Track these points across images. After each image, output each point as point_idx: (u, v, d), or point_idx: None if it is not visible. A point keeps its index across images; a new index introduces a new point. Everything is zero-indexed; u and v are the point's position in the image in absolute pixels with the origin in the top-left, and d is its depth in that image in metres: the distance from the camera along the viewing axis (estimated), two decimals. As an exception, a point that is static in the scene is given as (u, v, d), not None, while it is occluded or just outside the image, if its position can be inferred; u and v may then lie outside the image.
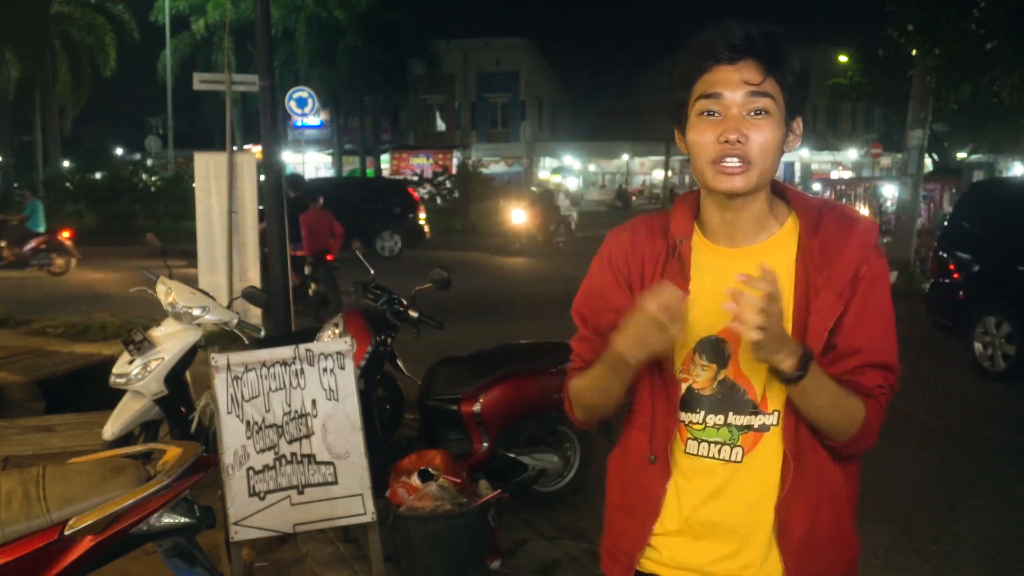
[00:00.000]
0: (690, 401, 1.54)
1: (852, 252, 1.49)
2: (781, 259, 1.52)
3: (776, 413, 1.51)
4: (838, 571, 1.58)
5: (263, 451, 3.38)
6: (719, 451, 1.53)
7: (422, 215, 20.18)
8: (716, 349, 1.52)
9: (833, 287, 1.48)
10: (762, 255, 1.52)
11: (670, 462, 1.55)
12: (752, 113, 1.44)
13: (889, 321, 1.53)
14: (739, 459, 1.52)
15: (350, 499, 3.44)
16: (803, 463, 1.50)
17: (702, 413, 1.53)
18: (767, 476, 1.52)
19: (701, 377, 1.53)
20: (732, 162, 1.44)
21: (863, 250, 1.50)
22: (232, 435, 3.36)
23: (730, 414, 1.52)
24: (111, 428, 4.33)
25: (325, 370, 3.51)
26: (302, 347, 3.52)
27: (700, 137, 1.47)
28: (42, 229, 16.50)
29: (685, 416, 1.55)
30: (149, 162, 32.57)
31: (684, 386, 1.55)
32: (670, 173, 42.64)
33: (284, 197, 6.92)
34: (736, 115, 1.44)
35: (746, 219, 1.53)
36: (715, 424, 1.53)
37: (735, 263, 1.52)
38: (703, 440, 1.54)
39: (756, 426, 1.51)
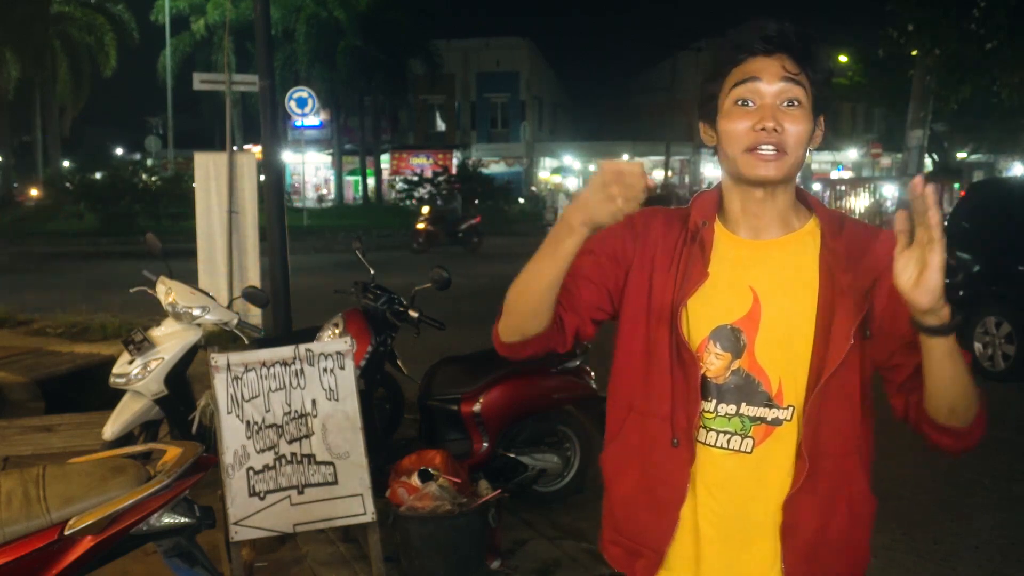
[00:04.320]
0: (702, 388, 1.51)
1: (876, 257, 1.48)
2: (802, 256, 1.52)
3: (791, 408, 1.48)
4: None
5: (263, 451, 3.38)
6: (728, 441, 1.50)
7: None
8: (731, 338, 1.50)
9: (858, 288, 1.46)
10: (783, 249, 1.53)
11: (694, 448, 1.52)
12: (785, 103, 1.46)
13: None
14: (748, 450, 1.50)
15: (350, 499, 3.44)
16: (819, 463, 1.47)
17: (714, 402, 1.51)
18: (777, 472, 1.49)
19: (715, 365, 1.51)
20: (767, 149, 1.45)
21: (887, 257, 1.44)
22: (232, 435, 3.35)
23: (743, 404, 1.50)
24: (111, 428, 4.33)
25: (325, 370, 3.50)
26: (302, 347, 3.52)
27: (734, 125, 1.47)
28: None
29: None
30: (149, 162, 32.56)
31: None
32: (670, 173, 42.65)
33: None
34: (771, 104, 1.45)
35: (770, 211, 1.53)
36: (727, 413, 1.50)
37: (755, 255, 1.53)
38: (712, 429, 1.52)
39: (769, 419, 1.49)
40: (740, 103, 1.47)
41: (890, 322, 1.46)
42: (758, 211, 1.53)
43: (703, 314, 1.51)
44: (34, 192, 34.24)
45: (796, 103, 1.46)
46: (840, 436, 1.49)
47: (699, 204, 1.59)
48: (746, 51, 1.47)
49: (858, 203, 17.26)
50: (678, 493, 1.53)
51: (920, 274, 1.29)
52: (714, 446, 1.52)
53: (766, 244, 1.53)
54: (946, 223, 8.48)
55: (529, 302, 1.52)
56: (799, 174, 1.57)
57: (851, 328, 1.45)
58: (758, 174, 1.47)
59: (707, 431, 1.52)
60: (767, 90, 1.45)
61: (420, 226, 20.30)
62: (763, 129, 1.44)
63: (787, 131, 1.45)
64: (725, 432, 1.51)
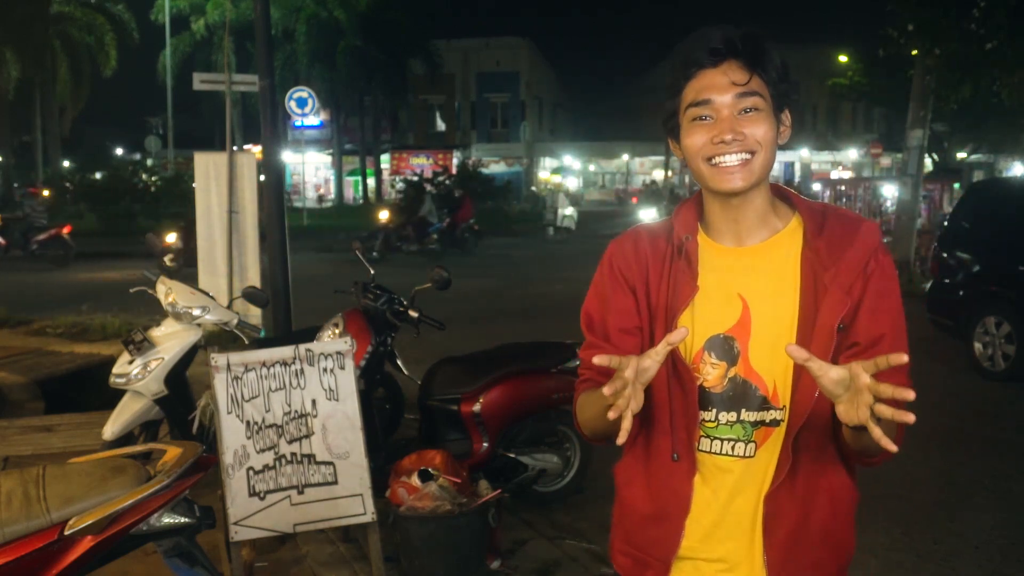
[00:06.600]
0: (702, 399, 1.54)
1: (858, 250, 1.51)
2: (785, 257, 1.54)
3: (785, 408, 1.51)
4: (827, 572, 1.57)
5: (263, 451, 3.38)
6: (733, 448, 1.53)
7: None
8: (725, 347, 1.52)
9: (841, 284, 1.49)
10: (766, 253, 1.55)
11: (695, 459, 1.55)
12: (743, 112, 1.47)
13: (902, 314, 1.53)
14: (752, 454, 1.53)
15: (350, 499, 3.44)
16: (800, 456, 1.50)
17: (714, 411, 1.53)
18: (768, 468, 1.52)
19: (712, 375, 1.53)
20: (730, 159, 1.47)
21: (868, 248, 1.51)
22: (232, 435, 3.36)
23: (743, 410, 1.52)
24: (111, 428, 4.33)
25: (325, 370, 3.50)
26: (302, 347, 3.52)
27: (693, 141, 1.50)
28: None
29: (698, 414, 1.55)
30: (149, 162, 32.58)
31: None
32: (670, 173, 42.66)
33: None
34: (728, 116, 1.47)
35: (749, 216, 1.54)
36: (728, 421, 1.53)
37: (741, 261, 1.55)
38: (716, 437, 1.54)
39: (768, 421, 1.52)
40: (697, 120, 1.49)
41: (865, 318, 1.49)
42: (737, 216, 1.55)
43: (696, 326, 1.53)
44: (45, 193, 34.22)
45: (753, 110, 1.47)
46: (819, 429, 1.51)
47: (681, 217, 1.62)
48: (695, 65, 1.49)
49: (857, 204, 17.26)
50: (682, 505, 1.56)
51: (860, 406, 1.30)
52: (719, 454, 1.54)
53: (750, 251, 1.56)
54: (946, 223, 8.44)
55: (612, 434, 1.51)
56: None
57: (835, 323, 1.47)
58: (725, 187, 1.49)
59: (711, 440, 1.54)
60: (721, 103, 1.47)
61: None
62: (722, 142, 1.46)
63: (748, 136, 1.46)
64: (729, 440, 1.53)
